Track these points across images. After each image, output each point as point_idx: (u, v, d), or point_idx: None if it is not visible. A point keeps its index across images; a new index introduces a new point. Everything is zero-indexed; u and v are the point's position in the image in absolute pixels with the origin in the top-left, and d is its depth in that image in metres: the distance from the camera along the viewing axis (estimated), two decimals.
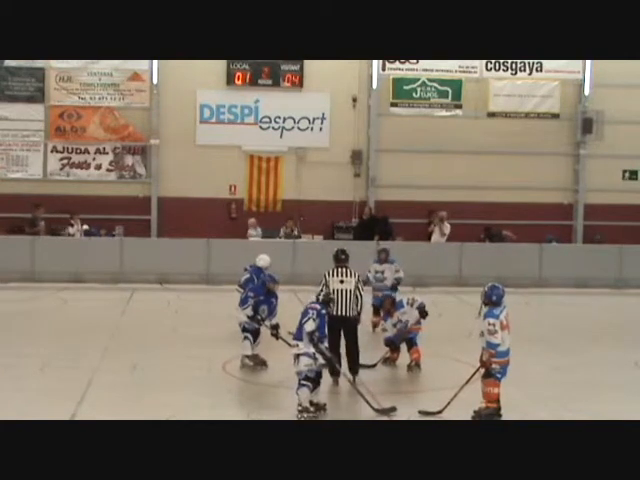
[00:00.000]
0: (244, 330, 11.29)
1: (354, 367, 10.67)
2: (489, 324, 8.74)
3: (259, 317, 11.18)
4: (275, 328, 11.13)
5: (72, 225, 20.81)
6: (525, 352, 11.17)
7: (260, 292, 11.27)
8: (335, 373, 10.06)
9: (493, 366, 8.79)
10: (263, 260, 11.75)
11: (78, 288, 18.41)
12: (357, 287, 10.60)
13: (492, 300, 8.89)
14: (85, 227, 21.04)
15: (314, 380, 9.05)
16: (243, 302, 11.30)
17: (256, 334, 11.28)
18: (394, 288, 13.39)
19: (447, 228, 21.05)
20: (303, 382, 8.96)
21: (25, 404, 9.08)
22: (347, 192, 23.26)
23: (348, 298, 10.51)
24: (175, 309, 16.22)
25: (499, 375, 8.86)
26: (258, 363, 11.24)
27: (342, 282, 10.56)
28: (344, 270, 10.70)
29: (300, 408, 8.94)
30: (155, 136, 22.63)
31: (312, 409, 8.93)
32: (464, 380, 9.08)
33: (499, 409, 8.92)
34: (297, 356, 9.01)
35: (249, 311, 11.18)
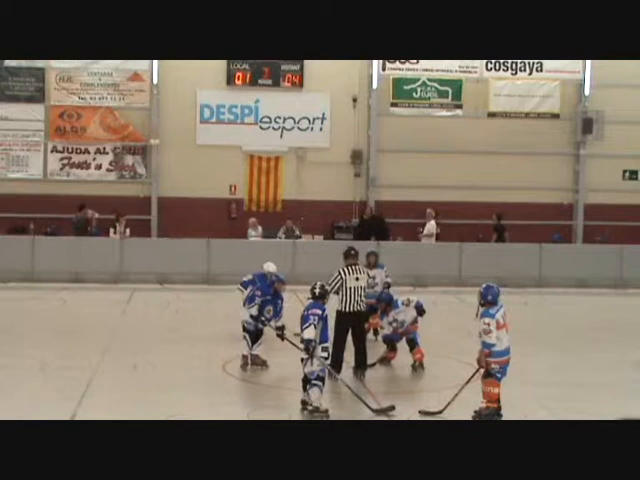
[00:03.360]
0: (244, 329, 11.30)
1: (362, 367, 10.85)
2: (484, 323, 8.78)
3: (264, 317, 11.17)
4: (281, 329, 11.14)
5: (115, 227, 20.83)
6: (525, 352, 11.17)
7: (268, 291, 11.27)
8: (332, 377, 10.05)
9: (492, 366, 8.80)
10: (271, 267, 11.77)
11: (78, 288, 18.41)
12: (367, 283, 11.14)
13: (488, 300, 8.91)
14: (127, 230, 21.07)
15: (324, 379, 9.03)
16: (250, 300, 11.27)
17: (258, 334, 11.26)
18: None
19: (433, 227, 20.91)
20: (315, 382, 8.92)
21: (25, 404, 9.08)
22: (347, 192, 23.28)
23: (361, 294, 10.85)
24: (175, 309, 16.22)
25: (499, 375, 8.86)
26: (259, 363, 11.23)
27: (357, 279, 10.90)
28: (357, 268, 11.05)
29: (311, 408, 8.92)
30: (155, 136, 22.64)
31: (323, 409, 8.91)
32: (464, 380, 9.08)
33: (499, 409, 8.92)
34: (310, 357, 8.94)
35: (254, 310, 11.16)
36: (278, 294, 11.37)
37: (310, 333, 8.90)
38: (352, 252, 11.21)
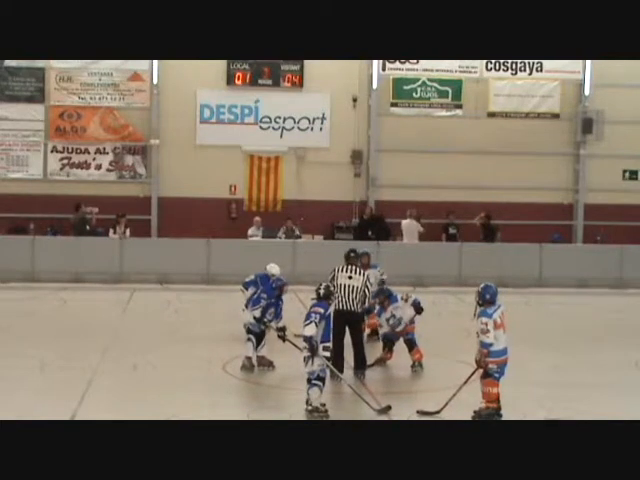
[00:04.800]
0: (248, 332, 11.24)
1: (361, 367, 10.86)
2: (482, 323, 8.78)
3: (266, 319, 11.15)
4: (282, 330, 11.12)
5: (114, 228, 20.82)
6: (525, 352, 11.19)
7: (272, 295, 11.24)
8: (335, 377, 10.05)
9: (490, 366, 8.79)
10: (274, 269, 11.81)
11: (78, 288, 18.40)
12: (366, 285, 10.93)
13: (486, 299, 8.91)
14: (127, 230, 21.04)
15: (324, 380, 9.02)
16: (254, 303, 11.20)
17: (261, 336, 11.23)
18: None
19: (407, 225, 21.03)
20: (315, 382, 8.88)
21: (25, 404, 9.08)
22: (347, 192, 23.26)
23: (354, 294, 10.77)
24: (175, 309, 16.21)
25: (497, 375, 8.85)
26: (265, 364, 11.19)
27: (350, 278, 10.88)
28: (353, 268, 11.06)
29: (310, 408, 8.89)
30: (155, 136, 22.63)
31: (322, 409, 8.90)
32: (464, 380, 9.08)
33: (499, 409, 8.91)
34: (310, 356, 8.93)
35: (258, 312, 11.11)
36: (280, 296, 11.35)
37: (311, 330, 8.86)
38: (352, 254, 11.35)
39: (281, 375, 10.92)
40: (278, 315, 11.24)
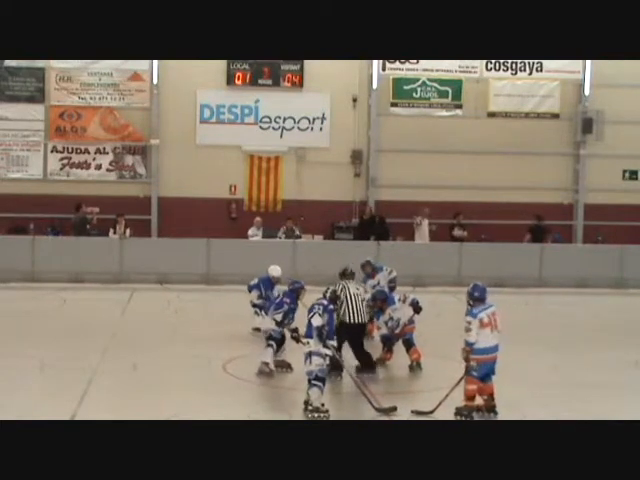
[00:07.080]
0: (269, 337, 11.09)
1: (367, 367, 10.94)
2: (466, 322, 8.96)
3: (286, 322, 11.07)
4: (295, 331, 11.08)
5: (114, 228, 20.82)
6: (525, 352, 11.20)
7: (294, 299, 11.17)
8: (338, 368, 10.08)
9: (471, 363, 8.87)
10: (275, 271, 11.75)
11: (78, 288, 18.40)
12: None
13: (475, 296, 9.08)
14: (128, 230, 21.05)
15: (324, 380, 9.04)
16: (277, 307, 11.11)
17: (282, 341, 11.14)
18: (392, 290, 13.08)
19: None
20: (314, 382, 8.94)
21: (25, 404, 9.08)
22: (347, 192, 23.25)
23: (363, 305, 11.04)
24: (175, 309, 16.21)
25: (475, 373, 8.92)
26: (284, 366, 11.12)
27: (358, 289, 11.21)
28: (354, 283, 11.34)
29: (311, 408, 8.93)
30: (155, 136, 22.62)
31: (323, 409, 8.92)
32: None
33: (494, 406, 8.96)
34: (309, 355, 8.99)
35: (279, 317, 11.03)
36: (297, 299, 11.30)
37: (317, 320, 9.03)
38: (347, 271, 11.42)
39: (282, 376, 10.92)
40: (292, 318, 11.18)
